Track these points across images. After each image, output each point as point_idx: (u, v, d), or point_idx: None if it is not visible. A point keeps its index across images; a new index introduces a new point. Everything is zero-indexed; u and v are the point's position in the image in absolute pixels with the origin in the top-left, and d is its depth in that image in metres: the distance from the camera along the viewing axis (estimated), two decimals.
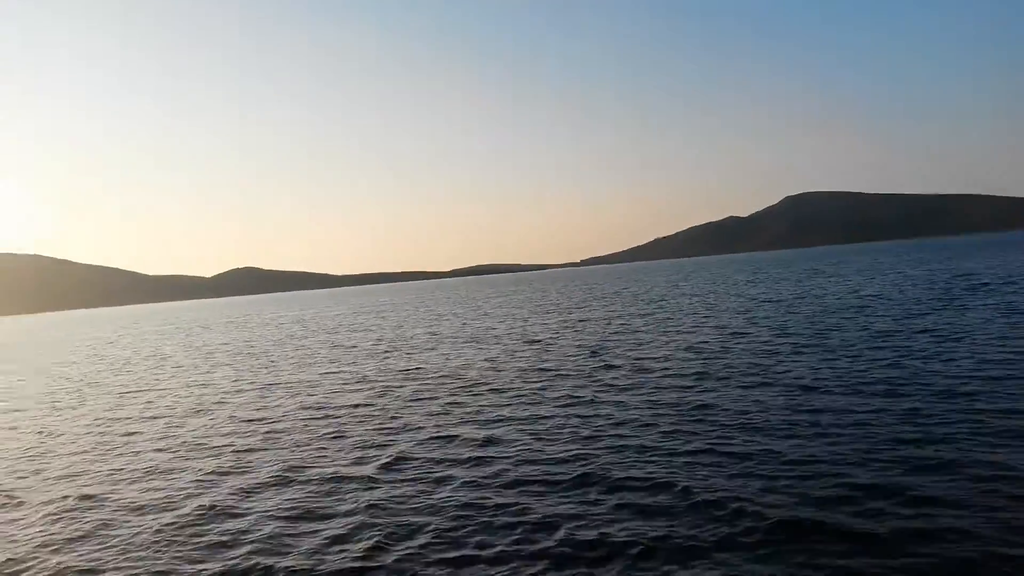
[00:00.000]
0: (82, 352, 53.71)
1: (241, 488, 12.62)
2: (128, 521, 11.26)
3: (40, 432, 19.84)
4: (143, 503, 12.18)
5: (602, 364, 23.53)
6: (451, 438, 14.97)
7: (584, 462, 12.31)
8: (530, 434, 14.74)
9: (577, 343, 30.41)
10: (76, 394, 27.80)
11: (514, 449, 13.62)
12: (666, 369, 21.41)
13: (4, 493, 13.47)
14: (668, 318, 38.94)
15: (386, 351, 34.19)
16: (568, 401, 17.82)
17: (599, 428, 14.74)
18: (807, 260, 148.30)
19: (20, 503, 12.89)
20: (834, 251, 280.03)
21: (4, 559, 9.96)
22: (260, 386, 25.43)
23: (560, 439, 14.05)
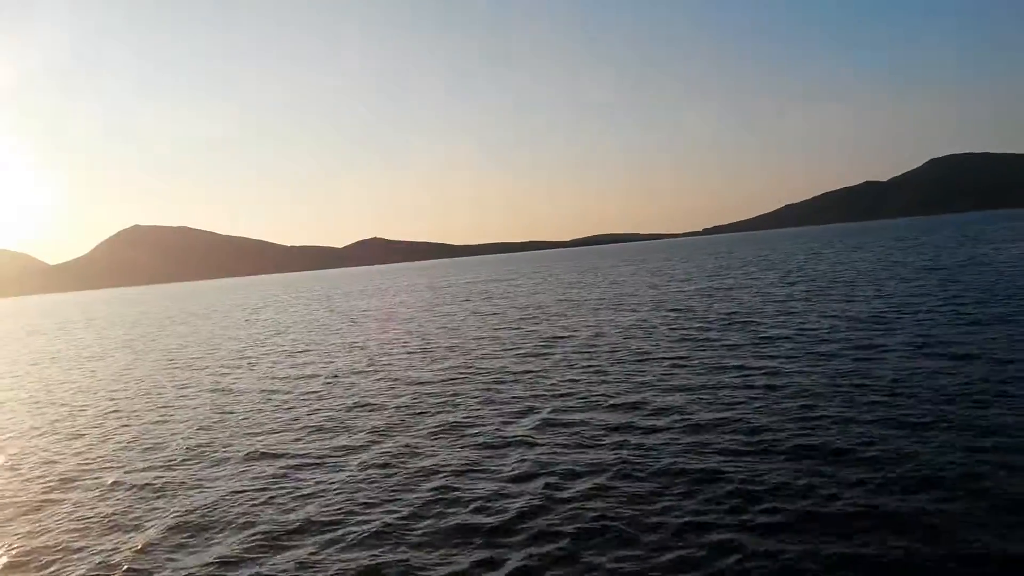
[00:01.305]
0: (236, 318, 57.64)
1: (407, 444, 13.04)
2: (306, 473, 11.88)
3: (217, 390, 21.36)
4: (319, 456, 12.82)
5: (753, 333, 22.61)
6: (620, 405, 14.82)
7: (775, 432, 11.80)
8: (703, 402, 14.33)
9: (721, 311, 29.40)
10: (244, 356, 29.79)
11: (687, 415, 13.29)
12: (825, 338, 20.22)
13: (193, 447, 14.54)
14: (818, 287, 36.93)
15: (525, 317, 34.45)
16: (728, 368, 17.19)
17: (778, 399, 14.11)
18: (950, 227, 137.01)
19: (205, 455, 13.86)
20: (986, 216, 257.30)
21: (201, 504, 10.74)
22: (412, 350, 26.25)
23: (734, 405, 13.58)
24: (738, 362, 17.85)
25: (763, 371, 16.56)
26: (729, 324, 25.20)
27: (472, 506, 9.70)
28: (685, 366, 18.08)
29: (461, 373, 20.11)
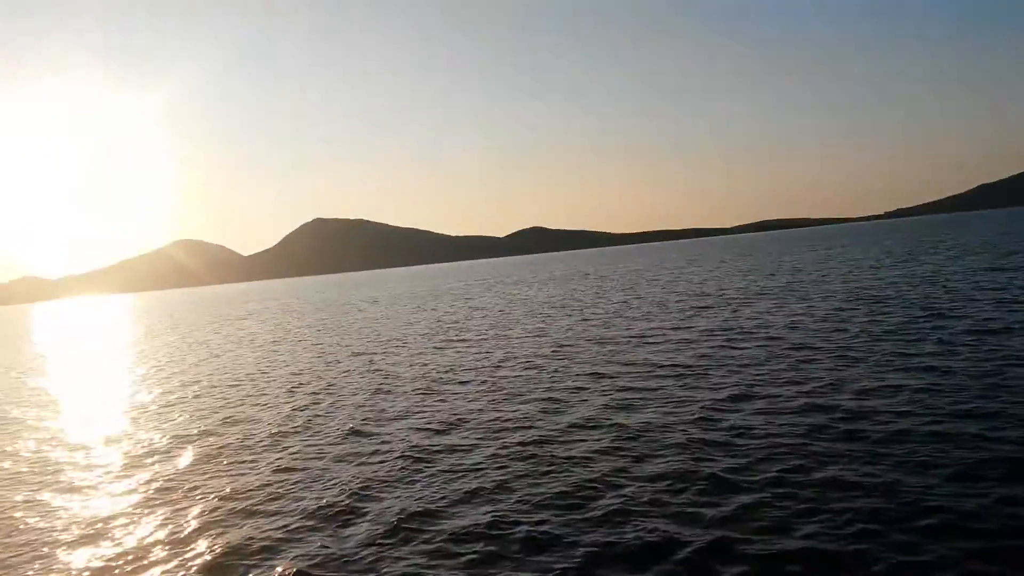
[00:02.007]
0: (411, 307, 61.90)
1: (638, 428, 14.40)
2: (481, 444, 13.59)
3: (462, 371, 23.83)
4: (473, 441, 14.50)
5: (967, 329, 21.87)
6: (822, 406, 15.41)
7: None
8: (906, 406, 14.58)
9: (922, 304, 28.29)
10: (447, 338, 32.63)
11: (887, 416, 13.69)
12: None
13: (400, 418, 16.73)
14: None
15: (706, 307, 34.80)
16: (927, 367, 17.10)
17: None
18: None
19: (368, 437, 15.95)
20: None
21: (361, 482, 12.69)
22: (597, 340, 27.69)
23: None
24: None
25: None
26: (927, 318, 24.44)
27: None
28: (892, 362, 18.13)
29: (674, 361, 21.27)
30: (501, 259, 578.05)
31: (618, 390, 17.24)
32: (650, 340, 25.00)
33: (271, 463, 14.03)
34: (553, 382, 19.21)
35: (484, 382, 20.25)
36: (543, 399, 17.20)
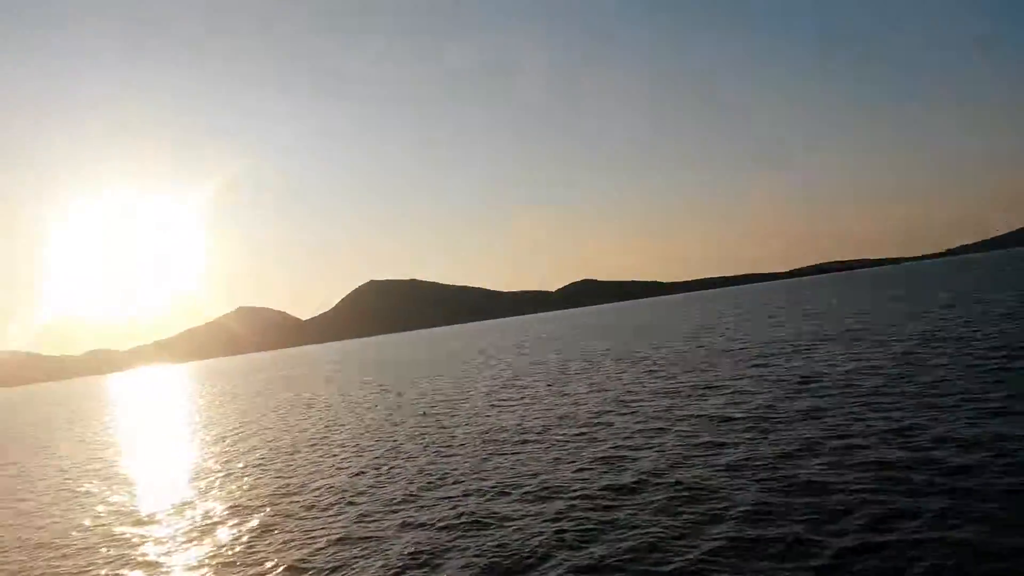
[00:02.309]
0: (468, 363, 62.10)
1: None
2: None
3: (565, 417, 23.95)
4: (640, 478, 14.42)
5: None
6: None
7: None
8: None
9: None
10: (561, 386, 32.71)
11: None
12: None
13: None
14: None
15: (800, 350, 34.19)
16: None
17: None
18: None
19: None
20: None
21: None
22: (656, 389, 27.45)
23: None
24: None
25: None
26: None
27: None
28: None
29: (749, 412, 21.00)
30: (553, 313, 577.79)
31: (685, 445, 17.11)
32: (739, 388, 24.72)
33: (333, 531, 14.29)
34: (617, 438, 19.14)
35: (545, 440, 20.28)
36: (600, 459, 17.15)
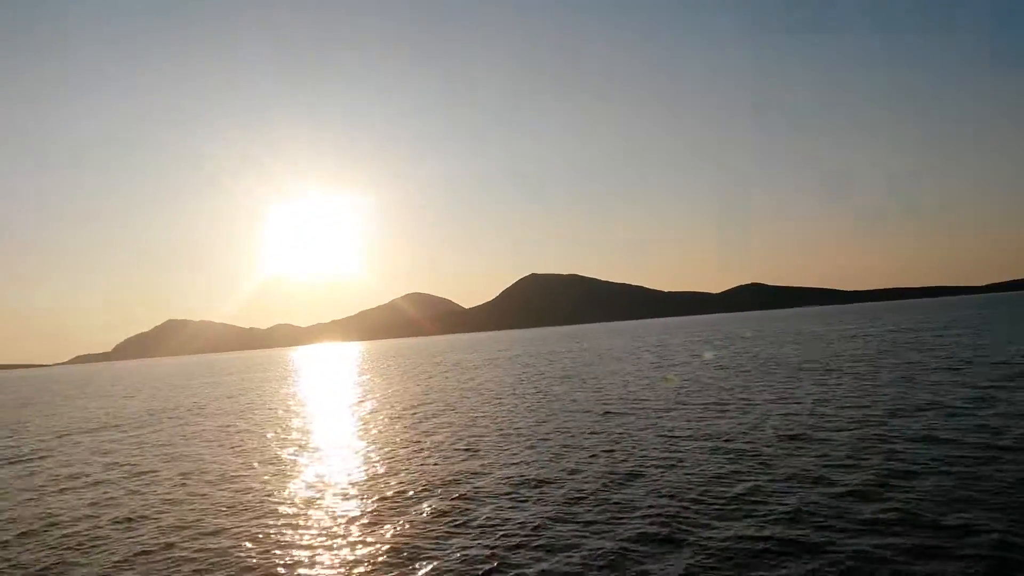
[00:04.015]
0: (647, 356, 60.19)
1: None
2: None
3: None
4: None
5: None
6: None
7: None
8: None
9: None
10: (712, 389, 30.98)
11: None
12: None
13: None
14: None
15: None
16: None
17: None
18: None
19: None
20: None
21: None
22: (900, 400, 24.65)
23: None
24: None
25: None
26: None
27: None
28: None
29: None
30: (716, 315, 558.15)
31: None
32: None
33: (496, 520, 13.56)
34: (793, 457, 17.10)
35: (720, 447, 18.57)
36: (784, 478, 15.25)
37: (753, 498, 13.85)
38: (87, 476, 22.57)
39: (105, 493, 19.41)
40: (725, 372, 41.26)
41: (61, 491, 20.18)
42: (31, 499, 19.23)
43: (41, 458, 27.82)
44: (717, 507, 13.45)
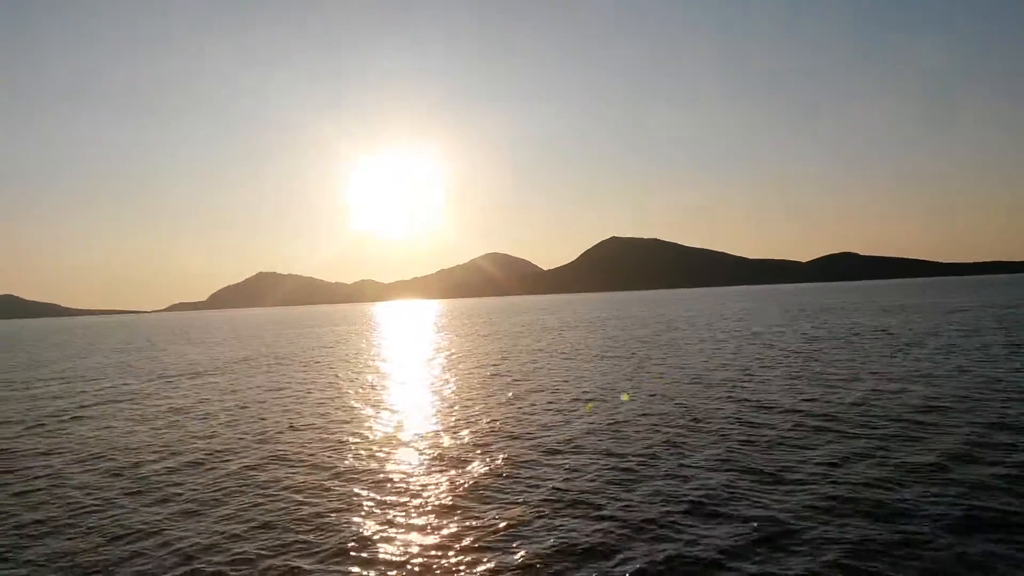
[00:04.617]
0: (736, 325, 57.76)
1: None
2: None
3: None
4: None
5: None
6: None
7: None
8: None
9: None
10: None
11: None
12: None
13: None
14: None
15: None
16: None
17: None
18: None
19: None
20: None
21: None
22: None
23: None
24: None
25: None
26: None
27: None
28: None
29: None
30: (804, 285, 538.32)
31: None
32: None
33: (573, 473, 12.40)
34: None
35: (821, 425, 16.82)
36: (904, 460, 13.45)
37: (875, 490, 12.25)
38: (189, 412, 22.98)
39: (207, 428, 19.64)
40: (825, 343, 38.82)
41: (168, 425, 20.51)
42: (141, 430, 19.47)
43: (146, 396, 28.63)
44: (832, 496, 11.93)
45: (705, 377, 26.82)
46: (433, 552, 10.27)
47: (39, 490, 14.51)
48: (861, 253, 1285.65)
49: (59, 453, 18.04)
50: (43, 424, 22.82)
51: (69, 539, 11.39)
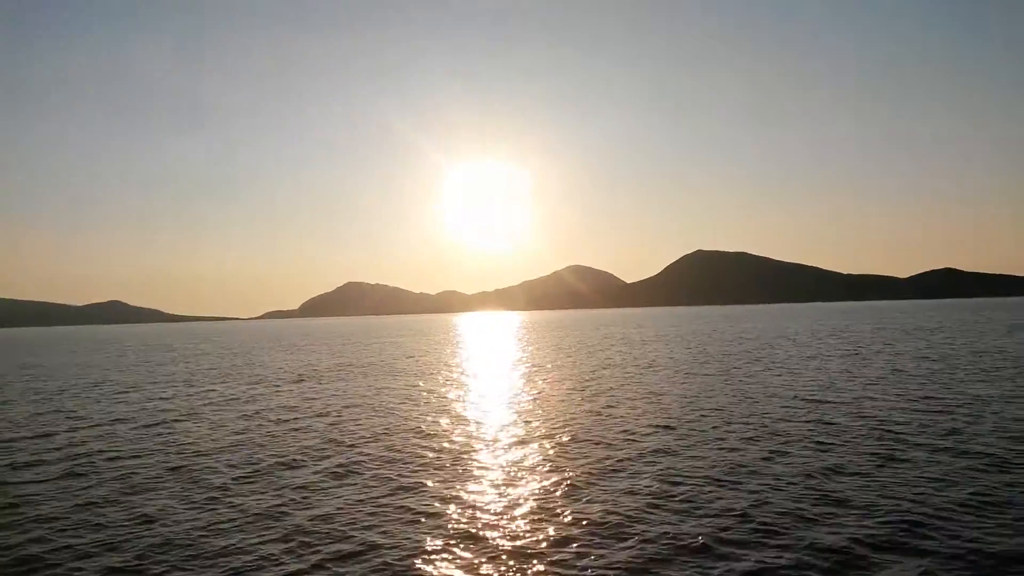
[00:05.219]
0: (841, 342, 56.27)
1: None
2: None
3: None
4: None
5: None
6: None
7: None
8: None
9: None
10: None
11: None
12: None
13: None
14: None
15: None
16: None
17: None
18: None
19: None
20: None
21: None
22: None
23: None
24: None
25: None
26: None
27: None
28: None
29: None
30: (903, 302, 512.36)
31: None
32: None
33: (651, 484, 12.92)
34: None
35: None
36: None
37: (990, 505, 12.35)
38: (291, 420, 24.61)
39: (309, 433, 21.07)
40: (932, 363, 37.65)
41: (273, 430, 22.09)
42: (249, 433, 21.16)
43: (252, 400, 30.72)
44: (948, 512, 12.13)
45: (831, 399, 26.74)
46: (517, 556, 11.15)
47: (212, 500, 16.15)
48: (963, 269, 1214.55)
49: (209, 441, 19.83)
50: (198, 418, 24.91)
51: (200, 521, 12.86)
